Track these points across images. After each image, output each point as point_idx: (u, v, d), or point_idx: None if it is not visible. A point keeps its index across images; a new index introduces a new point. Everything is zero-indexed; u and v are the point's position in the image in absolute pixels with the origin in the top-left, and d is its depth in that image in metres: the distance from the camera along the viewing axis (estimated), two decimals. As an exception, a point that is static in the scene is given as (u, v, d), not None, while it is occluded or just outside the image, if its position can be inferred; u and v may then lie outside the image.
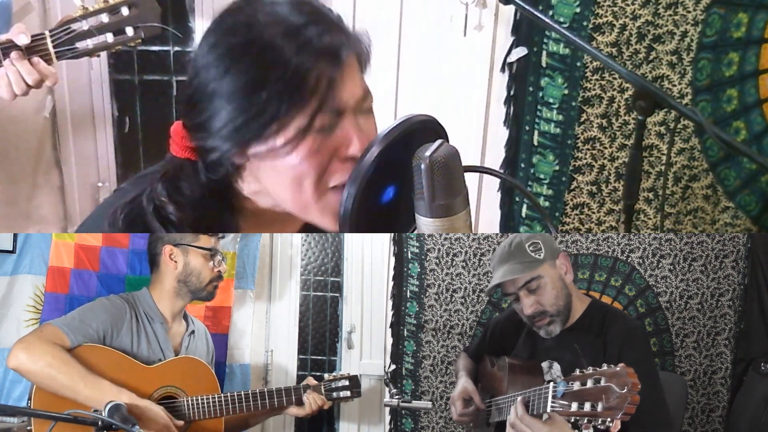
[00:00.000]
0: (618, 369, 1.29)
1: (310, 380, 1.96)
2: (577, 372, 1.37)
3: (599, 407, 1.29)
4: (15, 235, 2.19)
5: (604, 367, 1.32)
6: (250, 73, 1.14)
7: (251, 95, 1.13)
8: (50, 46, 1.73)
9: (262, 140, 1.16)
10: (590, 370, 1.34)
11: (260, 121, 1.14)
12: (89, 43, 1.73)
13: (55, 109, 2.68)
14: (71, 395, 1.67)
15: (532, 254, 1.72)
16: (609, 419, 1.27)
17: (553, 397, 1.39)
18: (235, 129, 1.16)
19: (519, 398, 1.47)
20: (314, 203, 1.20)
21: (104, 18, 1.72)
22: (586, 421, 1.32)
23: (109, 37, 1.74)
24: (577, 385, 1.34)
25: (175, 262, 1.88)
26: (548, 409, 1.40)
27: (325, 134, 1.17)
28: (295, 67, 1.12)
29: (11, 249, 2.19)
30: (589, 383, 1.32)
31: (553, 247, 1.75)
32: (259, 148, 1.17)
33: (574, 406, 1.33)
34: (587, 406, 1.31)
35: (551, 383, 1.41)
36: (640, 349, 1.73)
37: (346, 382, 1.98)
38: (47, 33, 1.73)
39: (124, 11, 1.73)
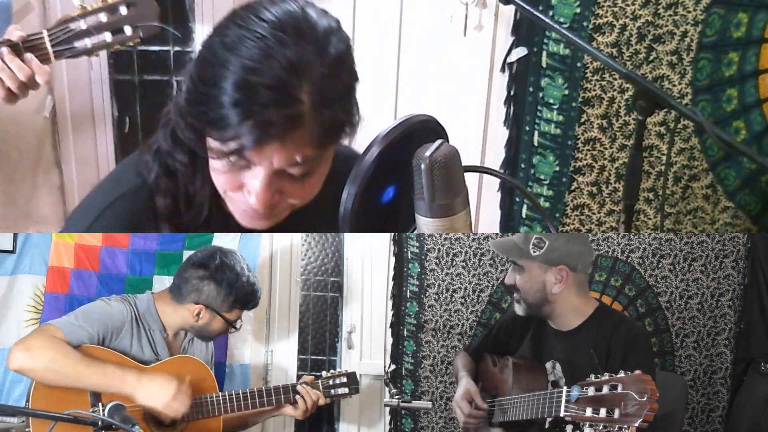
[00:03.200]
0: (636, 376, 1.29)
1: (307, 377, 1.96)
2: (592, 378, 1.36)
3: (616, 414, 1.28)
4: (15, 235, 2.19)
5: (621, 373, 1.31)
6: (213, 79, 1.16)
7: (209, 84, 1.16)
8: (48, 45, 1.72)
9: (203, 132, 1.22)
10: (606, 376, 1.33)
11: (201, 119, 1.19)
12: (87, 42, 1.73)
13: (55, 109, 2.67)
14: (77, 384, 1.67)
15: (530, 248, 1.74)
16: (626, 426, 1.27)
17: (567, 402, 1.38)
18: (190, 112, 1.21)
19: None
20: (229, 202, 1.30)
21: (103, 17, 1.72)
22: (601, 427, 1.31)
23: (108, 37, 1.74)
24: (591, 391, 1.34)
25: (198, 318, 1.86)
26: (561, 414, 1.39)
27: (236, 168, 1.21)
28: (238, 111, 1.14)
29: (11, 249, 2.19)
30: (605, 389, 1.31)
31: (556, 257, 1.75)
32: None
33: (589, 411, 1.32)
34: (603, 412, 1.30)
35: (564, 388, 1.41)
36: (644, 355, 1.73)
37: (344, 379, 1.98)
38: (45, 32, 1.73)
39: (123, 10, 1.73)
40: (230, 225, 1.34)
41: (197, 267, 1.86)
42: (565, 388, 1.40)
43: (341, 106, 1.21)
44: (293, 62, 1.15)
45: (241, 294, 1.85)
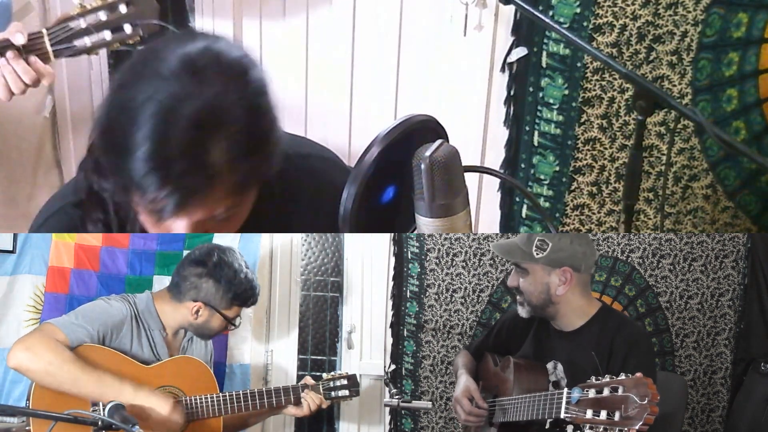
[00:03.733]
0: (637, 379, 1.29)
1: (308, 379, 1.96)
2: (593, 380, 1.36)
3: (616, 416, 1.28)
4: (15, 235, 2.18)
5: (622, 376, 1.31)
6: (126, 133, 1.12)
7: (122, 152, 1.12)
8: (48, 44, 1.72)
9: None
10: (607, 378, 1.33)
11: (117, 181, 1.18)
12: (87, 40, 1.73)
13: (55, 109, 2.68)
14: (74, 391, 1.66)
15: (533, 249, 1.73)
16: (626, 429, 1.27)
17: (567, 403, 1.38)
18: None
19: None
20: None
21: (102, 15, 1.72)
22: (602, 429, 1.31)
23: (107, 35, 1.74)
24: (592, 393, 1.34)
25: (198, 315, 1.86)
26: (561, 415, 1.39)
27: (160, 219, 1.19)
28: (153, 180, 1.11)
29: (11, 249, 2.18)
30: (606, 392, 1.31)
31: (560, 258, 1.73)
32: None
33: (589, 414, 1.32)
34: (603, 415, 1.30)
35: (565, 389, 1.41)
36: (645, 357, 1.73)
37: (345, 381, 1.98)
38: (44, 31, 1.73)
39: (122, 9, 1.72)
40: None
41: (195, 264, 1.86)
42: (565, 390, 1.40)
43: (259, 154, 1.17)
44: (203, 119, 1.10)
45: (240, 291, 1.85)
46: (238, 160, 1.13)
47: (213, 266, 1.84)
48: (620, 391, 1.29)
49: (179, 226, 1.19)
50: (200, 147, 1.10)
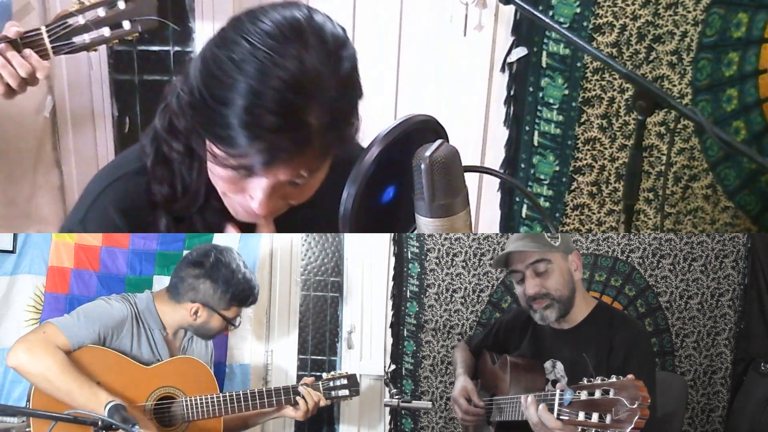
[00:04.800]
0: (628, 381, 1.29)
1: (307, 379, 1.96)
2: (585, 381, 1.36)
3: (608, 419, 1.28)
4: (15, 235, 2.18)
5: (614, 378, 1.31)
6: (230, 90, 1.14)
7: (220, 100, 1.14)
8: (47, 41, 1.72)
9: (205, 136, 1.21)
10: (598, 380, 1.33)
11: (206, 130, 1.18)
12: (86, 37, 1.73)
13: (55, 109, 2.67)
14: (67, 401, 1.66)
15: (549, 240, 1.73)
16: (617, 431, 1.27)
17: (560, 404, 1.38)
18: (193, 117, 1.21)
19: (534, 404, 1.45)
20: (225, 199, 1.30)
21: (101, 12, 1.71)
22: (593, 431, 1.31)
23: (106, 32, 1.74)
24: (584, 395, 1.34)
25: (196, 316, 1.86)
26: (554, 416, 1.39)
27: (239, 176, 1.21)
28: (247, 134, 1.13)
29: (11, 249, 2.18)
30: (598, 394, 1.32)
31: (569, 244, 1.78)
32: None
33: (581, 416, 1.33)
34: (595, 417, 1.30)
35: (558, 391, 1.41)
36: (645, 355, 1.74)
37: (344, 381, 1.98)
38: (43, 28, 1.73)
39: (121, 5, 1.72)
40: (225, 214, 1.36)
41: (193, 266, 1.86)
42: (558, 391, 1.40)
43: (347, 124, 1.22)
44: (302, 83, 1.13)
45: (238, 291, 1.85)
46: (330, 126, 1.16)
47: (210, 267, 1.84)
48: (611, 394, 1.29)
49: (260, 184, 1.21)
50: (297, 108, 1.13)
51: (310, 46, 1.15)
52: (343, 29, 1.22)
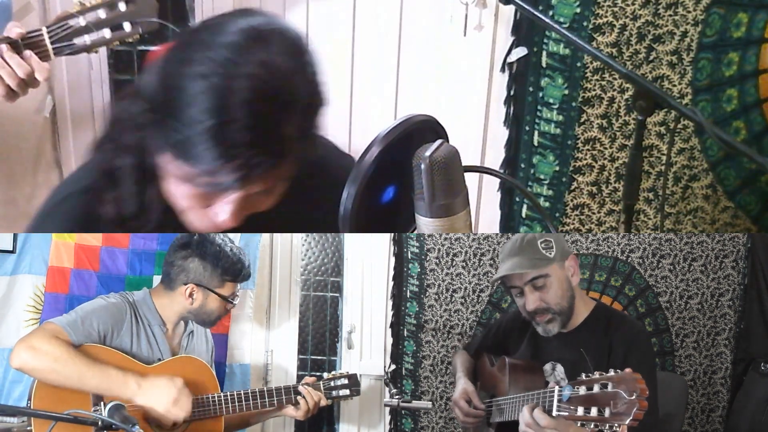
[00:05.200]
0: (626, 374, 1.29)
1: (308, 379, 1.96)
2: (583, 376, 1.36)
3: (606, 413, 1.28)
4: (15, 235, 2.18)
5: (611, 372, 1.31)
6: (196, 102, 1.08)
7: (185, 119, 1.09)
8: (47, 42, 1.72)
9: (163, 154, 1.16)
10: (597, 374, 1.34)
11: (166, 144, 1.13)
12: (87, 39, 1.73)
13: (55, 109, 2.67)
14: (79, 386, 1.66)
15: (544, 252, 1.71)
16: (617, 425, 1.27)
17: (559, 401, 1.38)
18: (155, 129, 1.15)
19: (527, 407, 1.46)
20: (187, 214, 1.24)
21: (101, 14, 1.71)
22: (593, 425, 1.31)
23: (107, 33, 1.74)
24: (583, 390, 1.34)
25: (192, 299, 1.86)
26: (554, 413, 1.39)
27: (205, 193, 1.17)
28: (218, 152, 1.08)
29: (11, 249, 2.18)
30: (596, 388, 1.32)
31: (564, 249, 1.75)
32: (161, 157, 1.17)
33: (581, 411, 1.33)
34: (594, 411, 1.30)
35: (557, 387, 1.41)
36: (645, 354, 1.74)
37: (345, 381, 1.98)
38: (44, 29, 1.73)
39: (122, 7, 1.72)
40: (183, 229, 1.31)
41: (179, 248, 1.86)
42: (557, 388, 1.40)
43: (316, 131, 1.18)
44: (271, 89, 1.08)
45: (228, 264, 1.84)
46: (303, 134, 1.13)
47: (196, 245, 1.84)
48: (610, 388, 1.29)
49: (229, 198, 1.16)
50: (270, 118, 1.08)
51: (274, 50, 1.10)
52: (302, 35, 1.18)
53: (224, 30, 1.11)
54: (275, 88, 1.09)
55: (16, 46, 1.70)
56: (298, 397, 1.91)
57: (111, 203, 1.26)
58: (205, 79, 1.07)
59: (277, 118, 1.10)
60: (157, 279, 2.26)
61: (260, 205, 1.23)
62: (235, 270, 1.86)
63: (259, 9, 1.19)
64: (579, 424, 1.34)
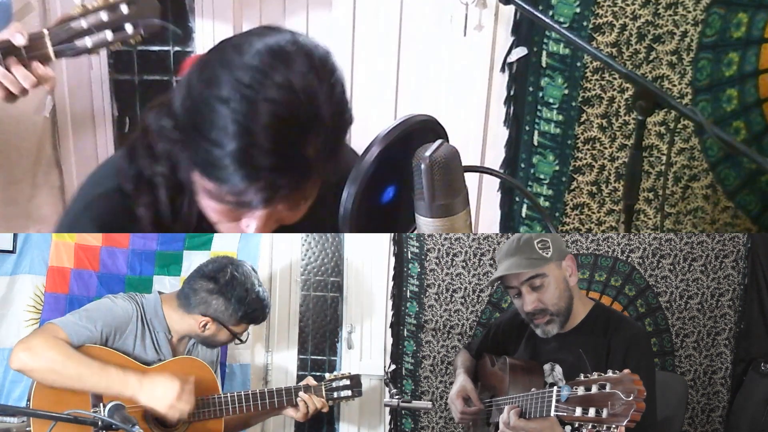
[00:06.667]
0: (623, 375, 1.29)
1: (310, 380, 1.95)
2: (582, 377, 1.36)
3: (604, 413, 1.28)
4: (15, 235, 2.19)
5: (609, 373, 1.32)
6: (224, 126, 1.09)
7: (211, 140, 1.10)
8: (48, 44, 1.72)
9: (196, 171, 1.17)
10: (595, 375, 1.34)
11: (197, 165, 1.15)
12: (88, 41, 1.73)
13: (55, 109, 2.67)
14: (78, 385, 1.66)
15: (540, 252, 1.70)
16: (614, 425, 1.27)
17: (557, 401, 1.38)
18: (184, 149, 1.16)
19: (507, 407, 1.47)
20: (218, 226, 1.26)
21: (103, 16, 1.71)
22: (590, 426, 1.31)
23: (109, 35, 1.74)
24: (581, 390, 1.34)
25: (205, 329, 1.85)
26: (552, 414, 1.40)
27: (234, 208, 1.18)
28: (244, 174, 1.09)
29: (11, 249, 2.19)
30: (594, 389, 1.32)
31: (562, 249, 1.75)
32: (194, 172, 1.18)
33: (578, 411, 1.33)
34: (592, 412, 1.31)
35: (555, 387, 1.41)
36: (644, 354, 1.73)
37: (347, 382, 1.97)
38: (45, 31, 1.73)
39: (123, 9, 1.72)
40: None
41: (207, 279, 1.83)
42: (555, 388, 1.40)
43: (342, 151, 1.19)
44: (294, 111, 1.08)
45: (250, 311, 1.84)
46: (328, 155, 1.13)
47: (225, 284, 1.82)
48: (607, 388, 1.29)
49: (256, 214, 1.18)
50: (293, 141, 1.09)
51: (297, 71, 1.10)
52: (330, 51, 1.18)
53: (247, 50, 1.11)
54: (298, 111, 1.09)
55: (21, 55, 1.70)
56: (297, 399, 1.90)
57: (148, 207, 1.28)
58: (228, 103, 1.08)
59: (301, 140, 1.10)
60: (157, 279, 2.26)
61: (287, 220, 1.25)
62: (254, 316, 1.86)
63: (282, 26, 1.18)
64: (577, 425, 1.35)
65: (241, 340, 1.89)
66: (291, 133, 1.09)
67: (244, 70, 1.09)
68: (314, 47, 1.15)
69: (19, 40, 1.69)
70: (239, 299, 1.82)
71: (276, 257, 2.50)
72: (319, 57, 1.14)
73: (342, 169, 1.20)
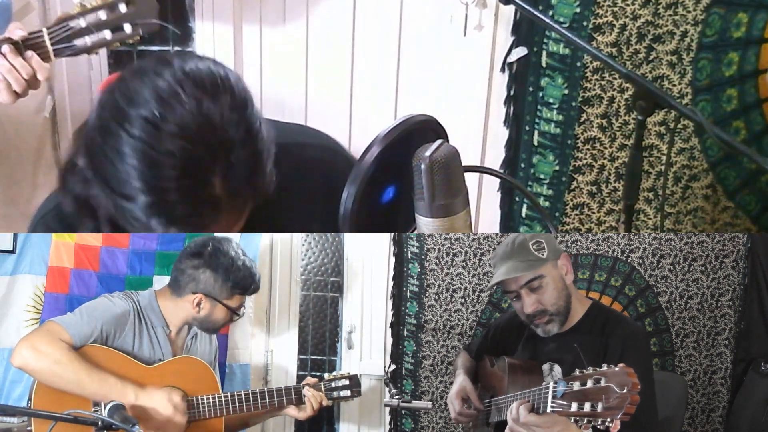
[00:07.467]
0: (618, 369, 1.29)
1: (310, 380, 1.96)
2: (577, 372, 1.37)
3: (599, 407, 1.29)
4: (15, 235, 2.19)
5: (604, 367, 1.32)
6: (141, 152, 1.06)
7: (121, 197, 1.09)
8: (48, 43, 1.72)
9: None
10: (590, 370, 1.34)
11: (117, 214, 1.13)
12: (87, 40, 1.73)
13: (55, 109, 2.67)
14: (78, 391, 1.67)
15: (536, 253, 1.70)
16: (609, 419, 1.28)
17: (553, 397, 1.39)
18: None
19: (516, 402, 1.46)
20: None
21: (102, 15, 1.72)
22: (585, 421, 1.32)
23: (108, 35, 1.74)
24: (577, 386, 1.34)
25: (200, 308, 1.85)
26: (548, 410, 1.40)
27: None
28: (148, 211, 1.08)
29: (11, 249, 2.19)
30: (589, 383, 1.32)
31: (556, 248, 1.75)
32: None
33: (574, 406, 1.33)
34: (587, 407, 1.31)
35: (551, 383, 1.41)
36: (642, 352, 1.73)
37: (347, 382, 1.98)
38: (45, 30, 1.73)
39: (122, 8, 1.73)
40: None
41: (192, 257, 1.85)
42: (551, 384, 1.40)
43: (259, 174, 1.12)
44: (197, 154, 1.05)
45: (239, 278, 1.84)
46: (239, 186, 1.10)
47: (209, 256, 1.84)
48: (602, 382, 1.29)
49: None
50: (199, 183, 1.06)
51: (188, 109, 1.05)
52: (224, 67, 1.12)
53: (137, 101, 1.07)
54: (200, 154, 1.05)
55: (18, 47, 1.71)
56: (304, 397, 1.91)
57: (90, 228, 1.26)
58: (128, 160, 1.06)
59: (203, 179, 1.06)
60: (157, 279, 2.26)
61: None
62: (245, 283, 1.86)
63: (167, 54, 1.14)
64: (573, 420, 1.35)
65: (237, 314, 1.89)
66: (190, 175, 1.05)
67: (136, 123, 1.06)
68: (202, 70, 1.09)
69: (18, 33, 1.70)
70: (226, 269, 1.83)
71: (276, 257, 2.50)
72: (210, 81, 1.08)
73: (273, 181, 1.15)
